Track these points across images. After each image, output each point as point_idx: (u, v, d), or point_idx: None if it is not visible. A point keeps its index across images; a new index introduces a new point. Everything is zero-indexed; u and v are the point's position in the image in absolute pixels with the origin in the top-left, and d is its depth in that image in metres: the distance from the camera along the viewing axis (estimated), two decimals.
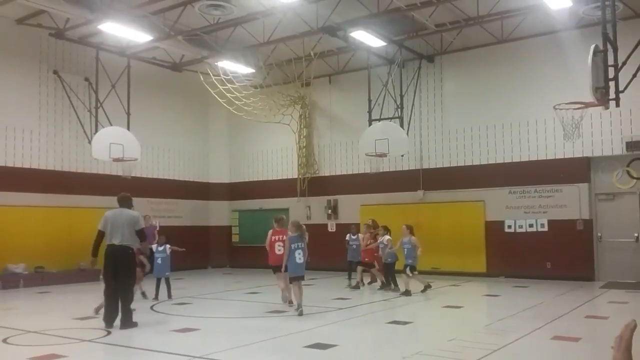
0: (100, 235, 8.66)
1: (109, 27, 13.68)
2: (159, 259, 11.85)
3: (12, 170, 14.67)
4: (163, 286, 11.80)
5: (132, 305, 8.76)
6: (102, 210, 15.95)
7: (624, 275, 13.90)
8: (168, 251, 11.87)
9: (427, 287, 12.26)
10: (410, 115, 16.69)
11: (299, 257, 9.46)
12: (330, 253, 16.04)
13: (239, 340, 7.83)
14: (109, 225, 8.61)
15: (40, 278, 14.40)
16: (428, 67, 16.94)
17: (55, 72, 15.67)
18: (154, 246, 11.97)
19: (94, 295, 13.24)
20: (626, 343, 1.86)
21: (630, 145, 13.89)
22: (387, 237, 12.53)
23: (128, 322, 8.51)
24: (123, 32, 14.05)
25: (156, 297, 11.66)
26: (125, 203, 9.03)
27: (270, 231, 10.61)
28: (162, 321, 9.32)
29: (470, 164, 16.09)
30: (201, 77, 16.63)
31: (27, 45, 15.16)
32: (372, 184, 16.91)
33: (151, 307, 10.59)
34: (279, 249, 10.24)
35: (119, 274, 8.54)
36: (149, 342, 7.81)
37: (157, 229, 16.16)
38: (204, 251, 19.52)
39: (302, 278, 9.64)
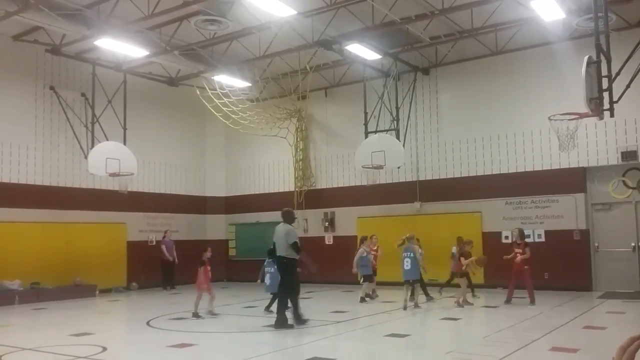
0: (274, 245, 9.90)
1: (105, 43, 13.72)
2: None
3: (7, 186, 14.62)
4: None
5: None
6: (98, 225, 16.25)
7: (622, 285, 13.88)
8: None
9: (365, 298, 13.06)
10: (406, 127, 16.74)
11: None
12: (328, 266, 15.97)
13: (237, 355, 7.78)
14: (275, 238, 9.84)
15: (36, 294, 14.29)
16: (423, 80, 17.03)
17: (51, 88, 15.70)
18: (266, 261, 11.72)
19: (89, 311, 13.24)
20: (629, 355, 1.83)
21: (626, 155, 13.95)
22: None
23: (281, 323, 9.44)
24: (119, 47, 14.09)
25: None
26: (286, 218, 10.00)
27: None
28: (158, 337, 9.25)
29: (467, 175, 16.12)
30: (197, 91, 16.67)
31: (24, 61, 15.20)
32: (368, 196, 16.91)
33: (147, 323, 10.52)
34: None
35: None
36: (145, 358, 7.75)
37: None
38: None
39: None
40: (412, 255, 11.75)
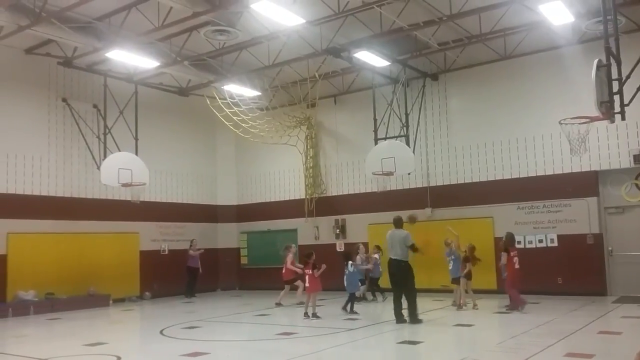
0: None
1: (116, 55, 13.90)
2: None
3: (21, 197, 14.78)
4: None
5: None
6: (111, 235, 16.38)
7: (637, 290, 13.72)
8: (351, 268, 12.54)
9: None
10: (416, 134, 16.75)
11: None
12: (339, 273, 15.94)
13: None
14: (388, 242, 10.82)
15: (51, 304, 14.42)
16: (432, 85, 17.03)
17: (64, 100, 15.88)
18: (349, 263, 12.58)
19: (103, 320, 13.32)
20: None
21: (638, 158, 13.83)
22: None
23: (413, 319, 10.41)
24: (130, 59, 14.27)
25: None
26: (397, 224, 10.97)
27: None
28: (172, 346, 9.29)
29: (478, 180, 16.07)
30: (208, 101, 16.80)
31: (36, 74, 15.39)
32: (379, 202, 16.88)
33: (161, 332, 10.57)
34: None
35: (398, 282, 10.69)
36: None
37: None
38: (213, 274, 19.50)
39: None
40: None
